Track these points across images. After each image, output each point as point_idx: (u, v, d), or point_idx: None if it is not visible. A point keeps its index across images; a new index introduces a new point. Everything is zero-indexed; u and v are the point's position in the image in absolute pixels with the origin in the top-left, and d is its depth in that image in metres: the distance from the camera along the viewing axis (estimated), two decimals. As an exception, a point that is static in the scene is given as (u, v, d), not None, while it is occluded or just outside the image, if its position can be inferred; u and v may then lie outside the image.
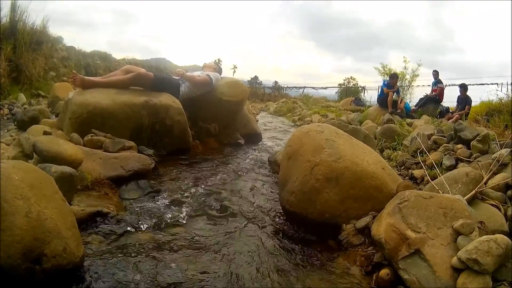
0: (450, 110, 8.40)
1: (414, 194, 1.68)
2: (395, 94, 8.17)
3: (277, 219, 2.18)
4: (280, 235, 1.98)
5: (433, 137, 3.81)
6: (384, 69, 17.37)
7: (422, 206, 1.63)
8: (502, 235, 1.42)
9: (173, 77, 3.72)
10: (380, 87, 10.17)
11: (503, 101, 7.02)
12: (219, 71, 4.25)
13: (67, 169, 1.84)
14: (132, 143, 2.78)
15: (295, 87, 25.78)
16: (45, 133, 2.85)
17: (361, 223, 1.85)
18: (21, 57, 6.91)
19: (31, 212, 1.24)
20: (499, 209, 2.23)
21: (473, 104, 8.24)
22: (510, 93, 9.54)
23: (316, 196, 1.97)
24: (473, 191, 2.31)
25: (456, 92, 8.54)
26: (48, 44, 8.56)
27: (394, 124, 5.45)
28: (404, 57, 19.03)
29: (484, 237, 1.41)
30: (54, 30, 15.10)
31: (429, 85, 11.53)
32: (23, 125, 3.55)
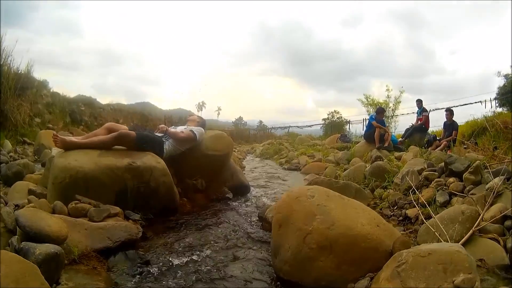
0: (437, 138, 8.38)
1: (412, 254, 1.61)
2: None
3: (273, 288, 2.06)
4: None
5: (424, 172, 3.81)
6: (367, 100, 17.64)
7: (420, 265, 1.55)
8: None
9: (156, 134, 3.67)
10: (367, 121, 10.11)
11: (487, 117, 7.11)
12: (203, 124, 4.23)
13: (51, 248, 1.75)
14: (117, 209, 2.69)
15: (280, 127, 26.14)
16: (30, 192, 2.85)
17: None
18: (6, 102, 6.83)
19: (17, 314, 1.14)
20: (498, 242, 2.18)
21: (458, 124, 8.29)
22: (494, 109, 9.73)
23: (310, 265, 1.90)
24: (471, 231, 2.27)
25: (441, 115, 8.62)
26: (33, 89, 8.51)
27: (382, 160, 5.45)
28: (386, 85, 19.40)
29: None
30: (38, 74, 15.20)
31: (413, 113, 11.75)
32: (7, 180, 3.50)
